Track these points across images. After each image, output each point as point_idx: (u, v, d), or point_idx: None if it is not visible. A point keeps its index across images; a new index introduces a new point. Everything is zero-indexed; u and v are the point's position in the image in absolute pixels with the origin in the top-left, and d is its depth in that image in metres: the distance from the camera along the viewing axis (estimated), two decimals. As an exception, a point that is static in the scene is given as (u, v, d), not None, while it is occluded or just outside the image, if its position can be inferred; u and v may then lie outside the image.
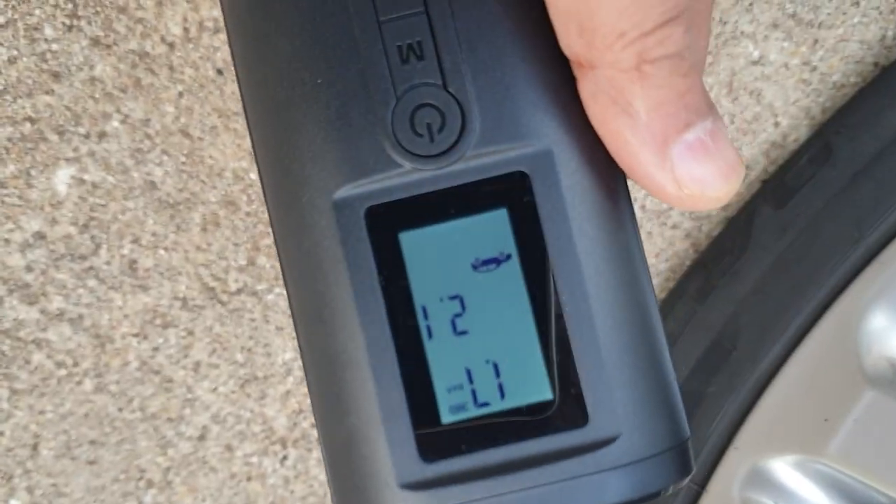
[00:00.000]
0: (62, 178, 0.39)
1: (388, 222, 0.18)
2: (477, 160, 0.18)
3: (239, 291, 0.44)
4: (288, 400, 0.47)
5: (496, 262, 0.18)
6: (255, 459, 0.47)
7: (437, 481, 0.18)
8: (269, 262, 0.44)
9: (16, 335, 0.42)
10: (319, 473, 0.48)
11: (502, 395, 0.18)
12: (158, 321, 0.43)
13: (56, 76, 0.38)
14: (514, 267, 0.18)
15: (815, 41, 0.46)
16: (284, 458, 0.48)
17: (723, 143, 0.17)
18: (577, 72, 0.18)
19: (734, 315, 0.42)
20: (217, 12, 0.38)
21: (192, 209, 0.42)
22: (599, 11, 0.16)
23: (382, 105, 0.18)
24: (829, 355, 0.39)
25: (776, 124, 0.47)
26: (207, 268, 0.43)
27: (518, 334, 0.18)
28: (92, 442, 0.44)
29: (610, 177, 0.19)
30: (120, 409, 0.44)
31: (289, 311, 0.45)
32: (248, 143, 0.41)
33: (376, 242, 0.18)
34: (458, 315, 0.18)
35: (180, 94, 0.39)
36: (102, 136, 0.39)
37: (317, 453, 0.48)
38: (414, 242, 0.18)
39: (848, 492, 0.38)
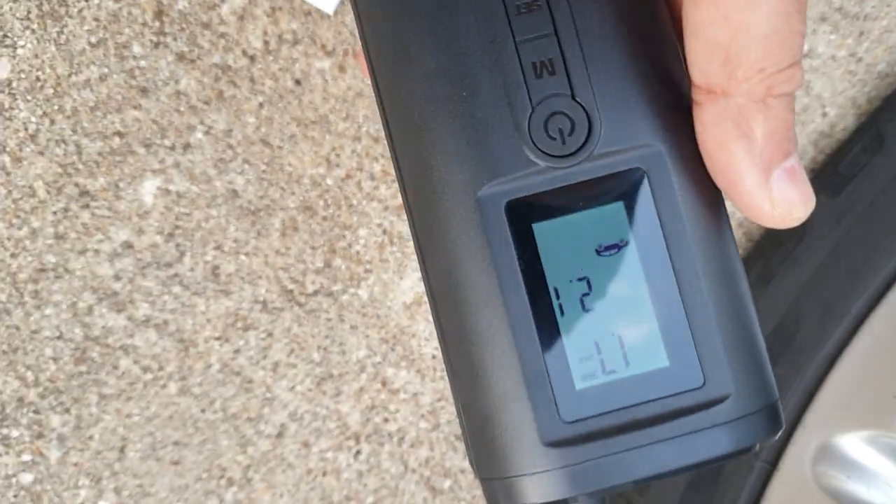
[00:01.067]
0: (149, 189, 0.41)
1: (524, 214, 0.20)
2: (601, 159, 0.21)
3: (316, 293, 0.45)
4: (361, 396, 0.48)
5: (617, 247, 0.21)
6: (330, 455, 0.49)
7: (576, 439, 0.20)
8: (344, 264, 0.45)
9: (104, 342, 0.43)
10: (391, 466, 0.50)
11: (627, 364, 0.20)
12: (239, 324, 0.45)
13: (143, 91, 0.39)
14: (632, 251, 0.21)
15: (861, 33, 0.47)
16: (358, 452, 0.49)
17: (804, 173, 0.21)
18: (702, 97, 0.20)
19: (796, 300, 0.44)
20: (296, 24, 0.40)
21: (272, 215, 0.43)
22: (748, 48, 0.19)
23: (521, 113, 0.21)
24: (893, 334, 0.41)
25: (824, 115, 0.49)
26: (286, 271, 0.44)
27: (638, 309, 0.20)
28: (176, 443, 0.46)
29: (707, 175, 0.22)
30: (203, 411, 0.46)
31: (363, 311, 0.47)
32: (325, 150, 0.43)
33: (515, 232, 0.20)
34: (585, 294, 0.20)
35: (261, 105, 0.41)
36: (187, 147, 0.41)
37: (389, 447, 0.50)
38: (546, 232, 0.21)
39: (917, 465, 0.40)
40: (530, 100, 0.20)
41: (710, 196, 0.21)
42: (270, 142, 0.41)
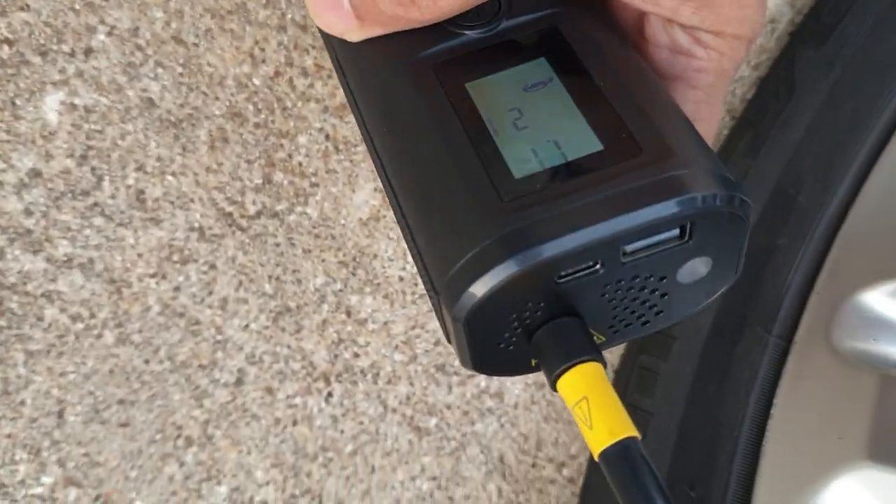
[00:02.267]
0: (51, 104, 0.36)
1: (452, 74, 0.24)
2: (510, 23, 0.24)
3: (258, 214, 0.40)
4: (325, 330, 0.43)
5: (542, 83, 0.23)
6: (298, 400, 0.44)
7: (521, 206, 0.20)
8: (286, 179, 0.40)
9: (23, 290, 0.38)
10: (368, 408, 0.45)
11: (564, 157, 0.21)
12: (176, 257, 0.40)
13: (30, -12, 0.35)
14: (555, 82, 0.23)
15: None
16: (329, 395, 0.44)
17: None
18: None
19: (792, 161, 0.39)
20: None
21: (197, 126, 0.38)
22: None
23: None
24: (904, 177, 0.36)
25: (798, -32, 0.44)
26: (221, 191, 0.39)
27: (567, 115, 0.22)
28: (121, 401, 0.41)
29: (606, 14, 0.25)
30: (146, 361, 0.41)
31: (314, 231, 0.42)
32: (247, 45, 0.38)
33: (442, 84, 0.23)
34: (517, 118, 0.22)
35: (168, -4, 0.36)
36: (89, 52, 0.36)
37: (363, 386, 0.45)
38: (475, 86, 0.23)
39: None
40: None
41: (612, 22, 0.25)
42: (184, 39, 0.37)
